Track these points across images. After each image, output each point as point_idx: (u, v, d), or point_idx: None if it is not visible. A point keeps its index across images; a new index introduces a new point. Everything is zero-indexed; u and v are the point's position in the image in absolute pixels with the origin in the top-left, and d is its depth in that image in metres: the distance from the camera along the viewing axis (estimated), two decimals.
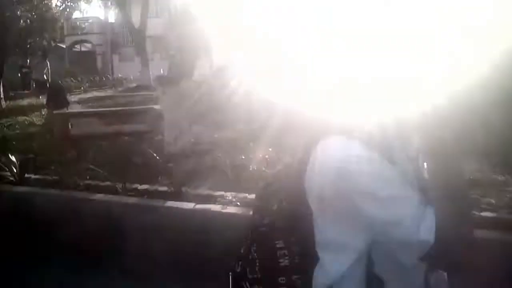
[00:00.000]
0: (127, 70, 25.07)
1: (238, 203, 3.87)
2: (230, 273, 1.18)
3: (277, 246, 1.07)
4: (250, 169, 4.37)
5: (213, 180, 4.45)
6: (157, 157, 4.79)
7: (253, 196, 3.91)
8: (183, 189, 4.28)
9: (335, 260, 1.02)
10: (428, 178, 1.01)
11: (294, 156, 1.13)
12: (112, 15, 29.69)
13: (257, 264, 1.11)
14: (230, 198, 3.97)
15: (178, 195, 4.22)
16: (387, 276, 1.04)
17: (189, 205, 3.88)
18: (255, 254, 1.12)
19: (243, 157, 4.69)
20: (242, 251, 1.17)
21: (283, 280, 1.05)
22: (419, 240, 0.96)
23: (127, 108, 9.16)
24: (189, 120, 6.41)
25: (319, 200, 1.00)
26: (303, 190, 1.03)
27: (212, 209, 3.78)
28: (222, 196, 4.03)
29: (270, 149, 4.52)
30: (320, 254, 1.02)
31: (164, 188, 4.41)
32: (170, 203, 4.00)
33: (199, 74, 6.77)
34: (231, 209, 3.76)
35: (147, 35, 18.15)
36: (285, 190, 1.10)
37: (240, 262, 1.16)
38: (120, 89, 18.29)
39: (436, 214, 0.96)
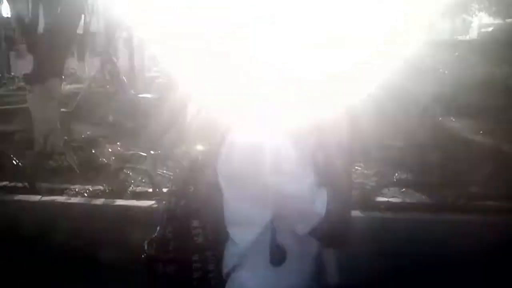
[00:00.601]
0: (26, 68, 23.91)
1: (85, 194, 4.22)
2: (143, 256, 1.24)
3: (193, 225, 1.17)
4: (99, 163, 4.69)
5: (67, 175, 4.73)
6: (13, 156, 4.94)
7: (98, 187, 4.27)
8: (37, 184, 4.51)
9: (243, 233, 1.14)
10: (321, 166, 1.15)
11: (210, 143, 1.19)
12: (7, 10, 28.17)
13: (172, 244, 1.19)
14: (77, 190, 4.29)
15: (32, 190, 4.45)
16: (288, 245, 1.17)
17: (36, 198, 4.14)
18: (170, 235, 1.20)
19: (93, 151, 4.98)
20: (156, 234, 1.25)
21: (197, 257, 1.16)
22: (314, 212, 1.11)
23: None
24: (63, 118, 6.53)
25: (231, 180, 1.12)
26: (217, 173, 1.14)
27: (57, 200, 4.07)
28: (70, 189, 4.33)
29: (118, 143, 4.85)
30: (230, 229, 1.15)
31: (20, 184, 4.60)
32: (19, 197, 4.23)
33: (72, 73, 6.86)
34: (75, 200, 4.09)
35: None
36: (201, 173, 1.19)
37: (153, 245, 1.24)
38: (11, 87, 17.50)
39: (328, 194, 1.12)
